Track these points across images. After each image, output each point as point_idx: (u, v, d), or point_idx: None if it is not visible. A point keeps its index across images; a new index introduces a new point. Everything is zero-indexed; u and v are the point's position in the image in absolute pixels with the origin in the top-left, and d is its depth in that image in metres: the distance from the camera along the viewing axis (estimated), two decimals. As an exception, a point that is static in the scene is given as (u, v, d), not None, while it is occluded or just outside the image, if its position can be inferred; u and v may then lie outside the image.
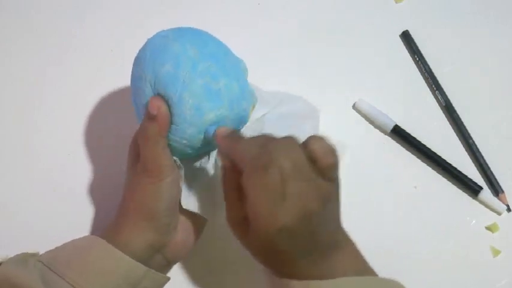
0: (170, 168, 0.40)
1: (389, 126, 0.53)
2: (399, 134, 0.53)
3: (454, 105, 0.54)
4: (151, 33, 0.58)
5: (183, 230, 0.43)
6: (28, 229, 0.49)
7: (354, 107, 0.55)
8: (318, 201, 0.33)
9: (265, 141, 0.35)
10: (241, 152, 0.36)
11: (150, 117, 0.39)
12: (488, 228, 0.51)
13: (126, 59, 0.56)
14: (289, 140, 0.35)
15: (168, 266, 0.44)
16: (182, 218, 0.43)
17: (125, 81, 0.55)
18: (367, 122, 0.54)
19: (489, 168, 0.52)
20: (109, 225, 0.43)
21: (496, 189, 0.52)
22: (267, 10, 0.59)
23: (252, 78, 0.54)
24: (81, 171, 0.52)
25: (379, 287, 0.36)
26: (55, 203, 0.50)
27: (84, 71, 0.56)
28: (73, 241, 0.42)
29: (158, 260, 0.42)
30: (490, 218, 0.51)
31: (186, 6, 0.58)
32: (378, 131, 0.54)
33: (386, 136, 0.54)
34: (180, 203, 0.42)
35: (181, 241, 0.42)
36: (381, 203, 0.51)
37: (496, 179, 0.52)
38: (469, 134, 0.53)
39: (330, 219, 0.36)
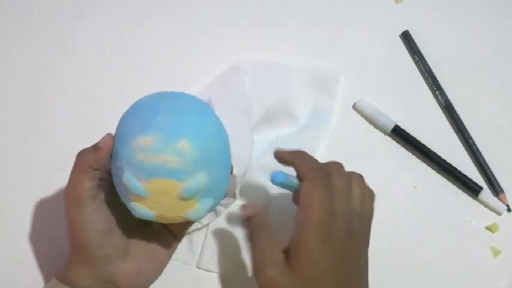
0: (88, 198, 0.38)
1: (390, 126, 0.53)
2: (399, 134, 0.53)
3: (454, 105, 0.54)
4: (151, 33, 0.58)
5: (136, 259, 0.41)
6: (27, 229, 0.49)
7: (354, 107, 0.55)
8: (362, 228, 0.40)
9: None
10: (306, 163, 0.41)
11: (93, 147, 0.39)
12: (488, 228, 0.51)
13: (126, 59, 0.56)
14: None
15: None
16: (133, 246, 0.41)
17: (125, 81, 0.56)
18: (367, 122, 0.54)
19: (489, 168, 0.52)
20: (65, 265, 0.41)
21: (496, 189, 0.52)
22: (267, 10, 0.59)
23: (252, 77, 0.54)
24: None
25: None
26: (55, 203, 0.50)
27: (84, 71, 0.56)
28: None
29: None
30: (490, 218, 0.51)
31: (186, 6, 0.58)
32: (378, 131, 0.54)
33: (387, 136, 0.54)
34: (119, 232, 0.40)
35: (135, 270, 0.41)
36: (380, 203, 0.51)
37: (496, 179, 0.52)
38: (469, 134, 0.53)
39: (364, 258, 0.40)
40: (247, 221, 0.41)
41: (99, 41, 0.57)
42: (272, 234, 0.39)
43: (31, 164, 0.52)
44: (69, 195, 0.39)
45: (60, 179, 0.51)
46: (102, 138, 0.39)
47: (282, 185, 0.41)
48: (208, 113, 0.39)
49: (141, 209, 0.37)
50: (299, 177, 0.40)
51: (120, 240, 0.40)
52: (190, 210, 0.38)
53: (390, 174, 0.52)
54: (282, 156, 0.43)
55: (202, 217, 0.39)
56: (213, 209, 0.40)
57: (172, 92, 0.40)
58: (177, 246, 0.44)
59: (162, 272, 0.43)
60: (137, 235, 0.42)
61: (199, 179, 0.37)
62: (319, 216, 0.37)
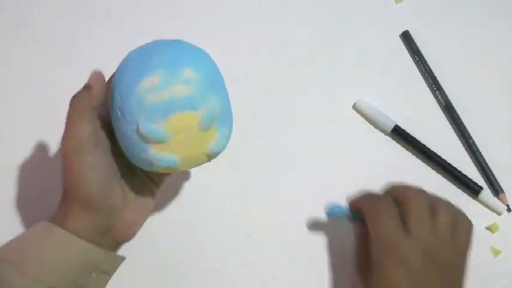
0: (91, 143, 0.36)
1: (390, 126, 0.53)
2: (399, 133, 0.53)
3: (454, 105, 0.54)
4: (150, 33, 0.58)
5: (132, 210, 0.40)
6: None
7: (354, 107, 0.55)
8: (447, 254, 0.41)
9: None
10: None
11: (84, 87, 0.37)
12: (488, 228, 0.51)
13: (126, 59, 0.56)
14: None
15: (117, 246, 0.42)
16: (130, 198, 0.40)
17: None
18: (367, 122, 0.54)
19: (489, 168, 0.52)
20: (56, 210, 0.40)
21: (496, 189, 0.52)
22: (267, 10, 0.59)
23: (252, 77, 0.54)
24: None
25: None
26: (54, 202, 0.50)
27: (84, 71, 0.55)
28: (25, 232, 0.39)
29: (107, 242, 0.40)
30: (490, 218, 0.51)
31: (185, 6, 0.58)
32: (378, 131, 0.54)
33: (387, 136, 0.54)
34: (124, 182, 0.40)
35: (131, 221, 0.40)
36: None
37: (496, 179, 0.52)
38: (469, 134, 0.53)
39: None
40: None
41: (99, 41, 0.57)
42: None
43: (31, 163, 0.52)
44: (68, 143, 0.37)
45: (59, 178, 0.51)
46: (90, 77, 0.37)
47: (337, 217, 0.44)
48: (193, 46, 0.40)
49: (164, 156, 0.36)
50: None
51: (120, 190, 0.39)
52: (212, 143, 0.37)
53: (390, 174, 0.52)
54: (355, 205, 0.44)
55: (225, 148, 0.39)
56: (229, 137, 0.40)
57: (153, 40, 0.40)
58: (155, 195, 0.44)
59: (145, 219, 0.43)
60: (128, 184, 0.41)
61: (213, 103, 0.37)
62: (387, 236, 0.39)
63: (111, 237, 0.40)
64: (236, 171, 0.51)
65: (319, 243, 0.50)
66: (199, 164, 0.39)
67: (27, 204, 0.50)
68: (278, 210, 0.50)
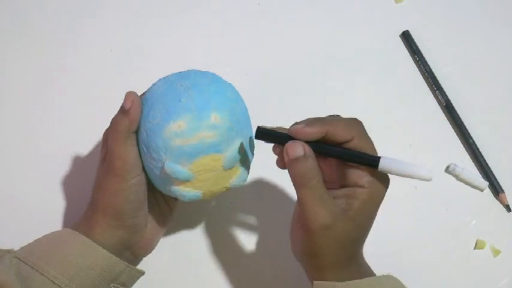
0: (136, 167, 0.38)
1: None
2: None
3: (454, 105, 0.54)
4: (151, 33, 0.58)
5: (152, 228, 0.42)
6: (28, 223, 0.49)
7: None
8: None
9: None
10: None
11: (122, 111, 0.38)
12: (476, 243, 0.51)
13: (126, 59, 0.56)
14: None
15: (134, 260, 0.43)
16: (151, 216, 0.42)
17: (125, 81, 0.55)
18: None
19: (489, 168, 0.52)
20: (79, 220, 0.42)
21: (496, 189, 0.52)
22: (267, 10, 0.59)
23: (252, 77, 0.54)
24: (80, 170, 0.52)
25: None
26: (55, 201, 0.50)
27: (84, 71, 0.56)
28: (48, 235, 0.40)
29: (126, 256, 0.41)
30: (490, 218, 0.51)
31: (185, 6, 0.58)
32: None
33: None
34: (147, 202, 0.41)
35: (150, 238, 0.42)
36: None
37: (496, 179, 0.52)
38: (469, 134, 0.53)
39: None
40: (292, 164, 0.36)
41: (99, 41, 0.57)
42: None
43: (31, 162, 0.52)
44: (117, 165, 0.38)
45: (59, 177, 0.51)
46: (126, 99, 0.38)
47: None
48: (220, 80, 0.40)
49: (188, 193, 0.38)
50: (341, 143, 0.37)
51: (145, 210, 0.41)
52: (234, 178, 0.39)
53: (390, 174, 0.52)
54: (308, 134, 0.37)
55: (246, 180, 0.40)
56: (249, 169, 0.41)
57: (180, 72, 0.40)
58: (171, 216, 0.45)
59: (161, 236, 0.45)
60: (149, 204, 0.42)
61: (237, 145, 0.38)
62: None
63: (130, 253, 0.42)
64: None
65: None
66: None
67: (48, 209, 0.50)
68: (277, 210, 0.50)
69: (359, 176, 0.37)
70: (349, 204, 0.37)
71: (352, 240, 0.37)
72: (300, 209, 0.37)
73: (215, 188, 0.39)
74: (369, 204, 0.37)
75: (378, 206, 0.38)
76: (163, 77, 0.40)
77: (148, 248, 0.43)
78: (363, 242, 0.39)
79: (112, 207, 0.39)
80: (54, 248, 0.39)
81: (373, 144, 0.38)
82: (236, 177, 0.39)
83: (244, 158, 0.39)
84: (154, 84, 0.40)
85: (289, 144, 0.36)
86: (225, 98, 0.38)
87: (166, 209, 0.45)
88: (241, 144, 0.38)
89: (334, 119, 0.38)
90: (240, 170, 0.39)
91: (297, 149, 0.36)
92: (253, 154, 0.41)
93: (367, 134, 0.38)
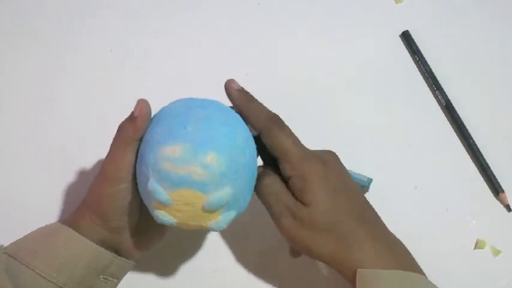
0: (127, 175, 0.38)
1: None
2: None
3: (454, 105, 0.54)
4: (151, 33, 0.58)
5: (141, 235, 0.42)
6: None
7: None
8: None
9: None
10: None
11: (130, 118, 0.38)
12: (477, 243, 0.51)
13: (126, 59, 0.56)
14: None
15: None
16: (141, 222, 0.42)
17: (125, 80, 0.56)
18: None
19: (489, 168, 0.52)
20: (70, 214, 0.42)
21: (496, 189, 0.52)
22: (267, 10, 0.59)
23: (252, 76, 0.54)
24: (79, 169, 0.52)
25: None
26: (55, 201, 0.50)
27: (84, 71, 0.56)
28: (37, 230, 0.41)
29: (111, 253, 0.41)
30: (490, 218, 0.51)
31: (185, 6, 0.58)
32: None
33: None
34: (138, 212, 0.41)
35: (136, 245, 0.42)
36: (381, 202, 0.51)
37: (496, 179, 0.52)
38: (469, 134, 0.53)
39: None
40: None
41: (99, 41, 0.57)
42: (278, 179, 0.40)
43: (31, 162, 0.52)
44: (109, 169, 0.38)
45: (59, 177, 0.51)
46: (136, 106, 0.38)
47: None
48: (239, 124, 0.39)
49: (163, 216, 0.37)
50: (255, 128, 0.40)
51: (134, 217, 0.41)
52: (212, 222, 0.37)
53: (390, 174, 0.52)
54: (233, 95, 0.41)
55: (223, 228, 0.38)
56: (231, 220, 0.39)
57: (204, 100, 0.39)
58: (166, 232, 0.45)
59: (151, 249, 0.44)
60: (144, 215, 0.42)
61: (224, 193, 0.36)
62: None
63: (115, 252, 0.41)
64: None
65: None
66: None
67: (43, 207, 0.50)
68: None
69: (283, 168, 0.39)
70: (296, 193, 0.39)
71: (323, 225, 0.38)
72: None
73: (191, 223, 0.37)
74: (308, 183, 0.38)
75: (325, 179, 0.39)
76: (187, 98, 0.39)
77: (133, 253, 0.42)
78: (341, 226, 0.39)
79: (98, 207, 0.39)
80: (41, 242, 0.39)
81: (291, 138, 0.40)
82: (215, 221, 0.37)
83: (230, 207, 0.37)
84: (175, 101, 0.39)
85: None
86: (231, 143, 0.37)
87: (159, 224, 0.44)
88: (229, 194, 0.36)
89: (260, 106, 0.40)
90: (221, 217, 0.37)
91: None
92: (242, 208, 0.40)
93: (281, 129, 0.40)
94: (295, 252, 0.45)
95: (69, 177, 0.51)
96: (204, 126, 0.36)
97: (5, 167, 0.52)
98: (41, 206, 0.50)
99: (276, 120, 0.40)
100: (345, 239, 0.38)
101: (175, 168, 0.35)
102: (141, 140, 0.38)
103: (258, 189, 0.40)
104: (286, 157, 0.39)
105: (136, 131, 0.38)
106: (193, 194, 0.36)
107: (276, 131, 0.39)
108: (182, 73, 0.56)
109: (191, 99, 0.39)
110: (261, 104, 0.41)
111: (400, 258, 0.40)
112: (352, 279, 0.37)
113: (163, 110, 0.39)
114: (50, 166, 0.52)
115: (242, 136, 0.38)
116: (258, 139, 0.40)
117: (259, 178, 0.40)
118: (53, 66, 0.56)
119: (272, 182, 0.40)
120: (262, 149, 0.40)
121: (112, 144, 0.39)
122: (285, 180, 0.40)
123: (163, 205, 0.36)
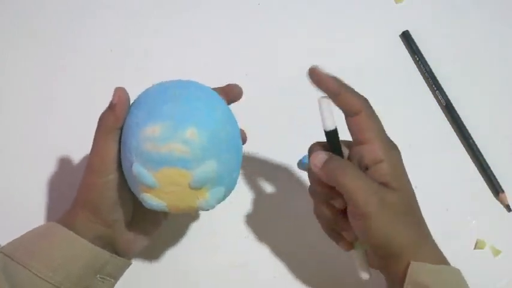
0: (113, 164, 0.38)
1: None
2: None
3: (454, 105, 0.54)
4: (151, 33, 0.58)
5: (137, 228, 0.42)
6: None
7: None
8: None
9: None
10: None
11: (109, 107, 0.38)
12: (477, 243, 0.50)
13: (126, 59, 0.56)
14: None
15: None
16: (138, 216, 0.42)
17: (125, 80, 0.55)
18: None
19: (489, 168, 0.52)
20: (64, 213, 0.41)
21: (496, 189, 0.52)
22: (267, 10, 0.59)
23: (252, 76, 0.54)
24: (79, 169, 0.51)
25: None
26: (54, 200, 0.50)
27: (84, 71, 0.56)
28: (33, 229, 0.40)
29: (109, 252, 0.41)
30: (490, 218, 0.51)
31: (185, 6, 0.58)
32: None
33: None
34: (132, 204, 0.41)
35: (133, 238, 0.42)
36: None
37: (496, 179, 0.52)
38: (469, 134, 0.53)
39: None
40: (322, 168, 0.38)
41: (99, 41, 0.57)
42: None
43: (32, 161, 0.52)
44: (94, 161, 0.38)
45: (59, 176, 0.51)
46: (114, 94, 0.38)
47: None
48: (217, 99, 0.39)
49: (152, 200, 0.37)
50: (347, 113, 0.39)
51: (128, 210, 0.41)
52: (201, 200, 0.37)
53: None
54: (323, 81, 0.39)
55: (214, 207, 0.38)
56: (224, 198, 0.39)
57: (180, 80, 0.39)
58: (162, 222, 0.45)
59: (149, 242, 0.44)
60: (138, 208, 0.42)
61: (208, 167, 0.36)
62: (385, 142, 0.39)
63: (112, 250, 0.41)
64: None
65: (319, 241, 0.50)
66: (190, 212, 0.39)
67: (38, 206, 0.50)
68: (277, 212, 0.50)
69: (372, 150, 0.38)
70: (383, 178, 0.37)
71: (406, 210, 0.38)
72: (349, 203, 0.37)
73: (181, 205, 0.37)
74: (396, 169, 0.38)
75: (403, 167, 0.39)
76: (163, 81, 0.40)
77: (130, 248, 0.42)
78: (416, 213, 0.40)
79: (89, 201, 0.39)
80: (37, 242, 0.39)
81: (381, 124, 0.39)
82: (204, 200, 0.37)
83: (217, 183, 0.37)
84: (151, 86, 0.40)
85: (313, 156, 0.38)
86: (211, 117, 0.37)
87: (157, 215, 0.44)
88: (214, 168, 0.36)
89: (351, 88, 0.39)
90: (209, 194, 0.37)
91: (320, 156, 0.38)
92: (231, 186, 0.39)
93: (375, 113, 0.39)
94: (347, 243, 0.42)
95: (69, 177, 0.51)
96: (182, 104, 0.36)
97: (5, 167, 0.52)
98: (41, 206, 0.50)
99: (369, 104, 0.39)
100: (423, 225, 0.40)
101: (157, 148, 0.35)
102: (123, 128, 0.38)
103: (338, 177, 0.37)
104: (380, 140, 0.38)
105: (116, 119, 0.37)
106: (178, 172, 0.35)
107: (370, 114, 0.39)
108: (182, 73, 0.55)
109: (167, 81, 0.40)
110: (352, 88, 0.40)
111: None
112: (404, 269, 0.37)
113: (141, 95, 0.39)
114: (50, 166, 0.52)
115: (221, 111, 0.38)
116: (331, 134, 0.39)
117: (338, 168, 0.37)
118: (53, 66, 0.56)
119: (355, 168, 0.38)
120: (336, 142, 0.39)
121: (94, 137, 0.39)
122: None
123: (149, 188, 0.36)
